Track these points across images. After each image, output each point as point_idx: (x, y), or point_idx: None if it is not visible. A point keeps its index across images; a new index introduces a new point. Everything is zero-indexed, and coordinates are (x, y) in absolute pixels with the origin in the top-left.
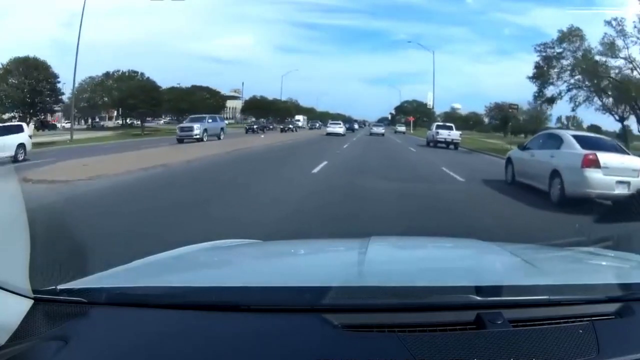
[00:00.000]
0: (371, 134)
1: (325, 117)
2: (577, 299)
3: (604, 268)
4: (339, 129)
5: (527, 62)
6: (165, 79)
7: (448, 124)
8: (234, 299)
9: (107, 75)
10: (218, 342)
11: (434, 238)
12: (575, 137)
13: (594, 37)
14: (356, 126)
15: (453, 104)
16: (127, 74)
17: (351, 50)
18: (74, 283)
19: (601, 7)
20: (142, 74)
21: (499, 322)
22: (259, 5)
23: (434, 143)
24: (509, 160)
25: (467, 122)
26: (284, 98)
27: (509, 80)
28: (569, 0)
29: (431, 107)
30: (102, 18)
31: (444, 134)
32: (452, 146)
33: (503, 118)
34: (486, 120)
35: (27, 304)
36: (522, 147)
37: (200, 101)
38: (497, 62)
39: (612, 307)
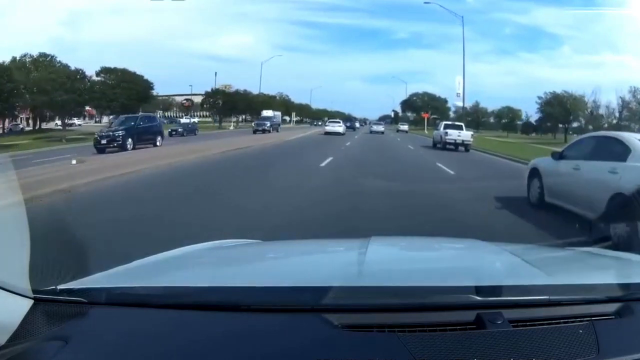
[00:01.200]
0: (371, 131)
1: (321, 115)
2: (577, 299)
3: (604, 268)
4: (339, 127)
5: (528, 62)
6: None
7: (457, 123)
8: (234, 299)
9: (13, 61)
10: (218, 342)
11: (434, 238)
12: None
13: (595, 37)
14: (357, 124)
15: (455, 102)
16: (35, 58)
17: (351, 49)
18: (74, 283)
19: (601, 7)
20: (53, 57)
21: (499, 322)
22: (259, 3)
23: (442, 144)
24: (534, 173)
25: (499, 120)
26: (272, 93)
27: (510, 80)
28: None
29: (460, 95)
30: (102, 17)
31: (453, 134)
32: (462, 148)
33: (561, 114)
34: (534, 118)
35: (27, 304)
36: (557, 155)
37: (106, 89)
38: (497, 61)
39: (612, 307)
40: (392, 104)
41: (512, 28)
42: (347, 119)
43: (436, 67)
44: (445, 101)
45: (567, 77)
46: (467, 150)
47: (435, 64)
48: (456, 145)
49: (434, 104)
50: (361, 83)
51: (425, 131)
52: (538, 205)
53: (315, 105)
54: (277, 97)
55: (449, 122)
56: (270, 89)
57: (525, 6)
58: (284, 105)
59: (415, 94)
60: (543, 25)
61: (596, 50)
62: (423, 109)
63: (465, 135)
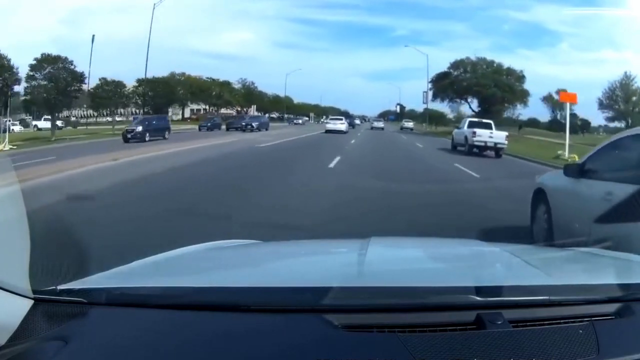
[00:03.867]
0: (372, 127)
1: (308, 111)
2: (577, 299)
3: (604, 268)
4: (341, 125)
5: (527, 58)
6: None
7: (485, 121)
8: (234, 299)
9: None
10: (218, 342)
11: (434, 239)
12: None
13: (595, 34)
14: (357, 121)
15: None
16: None
17: (350, 46)
18: (74, 283)
19: (601, 7)
20: None
21: (499, 323)
22: (258, 1)
23: (467, 147)
24: (539, 196)
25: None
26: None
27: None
28: None
29: None
30: (103, 14)
31: (483, 135)
32: (491, 152)
33: None
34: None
35: (27, 304)
36: (575, 170)
37: None
38: (496, 58)
39: (612, 307)
40: (396, 98)
41: (511, 25)
42: (345, 115)
43: (437, 65)
44: (521, 76)
45: (567, 74)
46: (498, 155)
47: (436, 61)
48: (483, 149)
49: (501, 79)
50: (360, 80)
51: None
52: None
53: (304, 99)
54: (238, 85)
55: (475, 120)
56: (272, 86)
57: (525, 3)
58: (247, 95)
59: (461, 61)
60: (543, 22)
61: (596, 47)
62: (477, 91)
63: (499, 136)
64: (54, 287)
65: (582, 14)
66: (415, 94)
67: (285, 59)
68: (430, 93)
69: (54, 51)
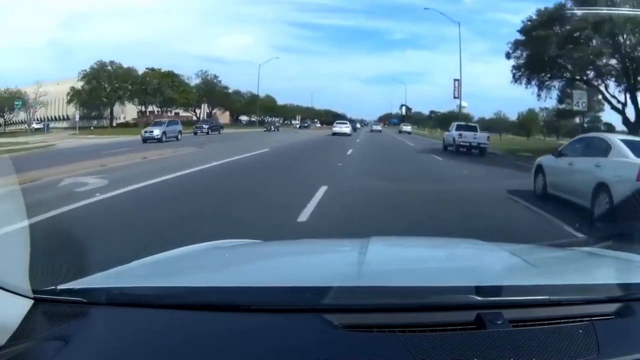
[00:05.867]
0: (371, 130)
1: (298, 114)
2: (577, 299)
3: (604, 268)
4: (346, 128)
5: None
6: None
7: (471, 124)
8: (233, 299)
9: None
10: (218, 342)
11: (434, 238)
12: (626, 142)
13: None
14: (358, 125)
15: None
16: None
17: (348, 50)
18: (74, 283)
19: (599, 7)
20: None
21: (499, 322)
22: (258, 5)
23: (454, 147)
24: (539, 169)
25: None
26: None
27: (509, 79)
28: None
29: None
30: (102, 18)
31: (468, 136)
32: (476, 151)
33: None
34: None
35: (27, 304)
36: (557, 154)
37: None
38: (495, 61)
39: (612, 307)
40: (398, 101)
41: (509, 28)
42: (343, 119)
43: (434, 68)
44: None
45: None
46: (482, 154)
47: (433, 64)
48: (468, 149)
49: None
50: (357, 83)
51: None
52: (541, 196)
53: (299, 102)
54: (197, 80)
55: (462, 123)
56: (271, 89)
57: (522, 6)
58: (208, 93)
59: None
60: None
61: None
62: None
63: (482, 137)
64: (54, 287)
65: (579, 14)
66: (419, 98)
67: (284, 62)
68: (510, 64)
69: (53, 54)
